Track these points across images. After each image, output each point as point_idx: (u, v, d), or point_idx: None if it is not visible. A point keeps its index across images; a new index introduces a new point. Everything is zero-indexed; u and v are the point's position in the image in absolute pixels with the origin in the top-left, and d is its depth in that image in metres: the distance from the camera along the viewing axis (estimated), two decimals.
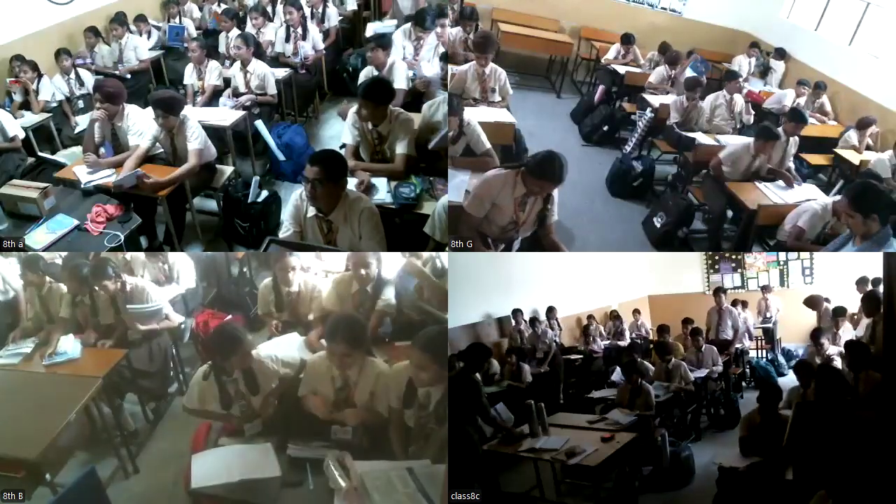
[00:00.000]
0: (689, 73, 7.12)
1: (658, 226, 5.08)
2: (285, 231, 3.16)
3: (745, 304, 5.85)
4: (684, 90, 6.14)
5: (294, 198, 3.15)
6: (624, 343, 5.74)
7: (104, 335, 3.61)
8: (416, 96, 4.93)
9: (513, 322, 5.27)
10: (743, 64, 8.04)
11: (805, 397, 3.50)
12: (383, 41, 4.83)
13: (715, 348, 4.91)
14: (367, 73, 4.91)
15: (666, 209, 5.06)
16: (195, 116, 4.34)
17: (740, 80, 6.51)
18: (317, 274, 3.86)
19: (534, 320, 5.34)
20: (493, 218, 3.19)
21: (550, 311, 5.48)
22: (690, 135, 5.75)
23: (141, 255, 4.27)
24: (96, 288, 3.62)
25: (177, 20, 6.98)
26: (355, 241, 3.05)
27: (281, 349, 3.10)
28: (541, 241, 3.30)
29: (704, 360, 4.79)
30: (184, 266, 4.43)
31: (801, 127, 5.06)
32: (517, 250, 3.35)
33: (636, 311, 6.16)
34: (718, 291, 5.71)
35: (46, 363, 3.31)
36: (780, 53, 8.19)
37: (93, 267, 3.64)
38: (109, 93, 4.11)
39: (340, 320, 2.66)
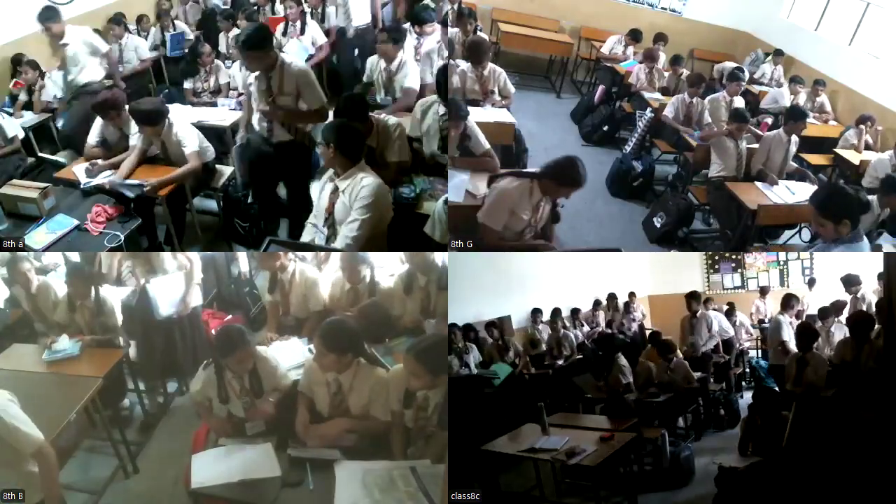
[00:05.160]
0: None
1: (658, 226, 5.08)
2: None
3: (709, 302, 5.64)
4: (687, 86, 6.14)
5: None
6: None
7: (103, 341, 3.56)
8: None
9: (531, 322, 5.35)
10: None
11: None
12: (397, 35, 4.88)
13: (687, 363, 4.48)
14: (372, 62, 5.00)
15: (666, 209, 5.06)
16: (192, 117, 4.33)
17: (742, 82, 6.38)
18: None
19: (555, 318, 5.33)
20: (512, 225, 3.21)
21: (535, 312, 5.49)
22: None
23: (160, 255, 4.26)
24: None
25: (170, 26, 6.96)
26: (346, 214, 3.08)
27: (285, 355, 3.13)
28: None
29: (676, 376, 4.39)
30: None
31: (802, 125, 5.02)
32: None
33: (631, 295, 6.18)
34: (691, 297, 5.25)
35: (47, 358, 3.34)
36: (778, 54, 8.18)
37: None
38: (117, 101, 4.15)
39: (326, 327, 2.65)
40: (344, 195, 3.09)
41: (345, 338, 2.58)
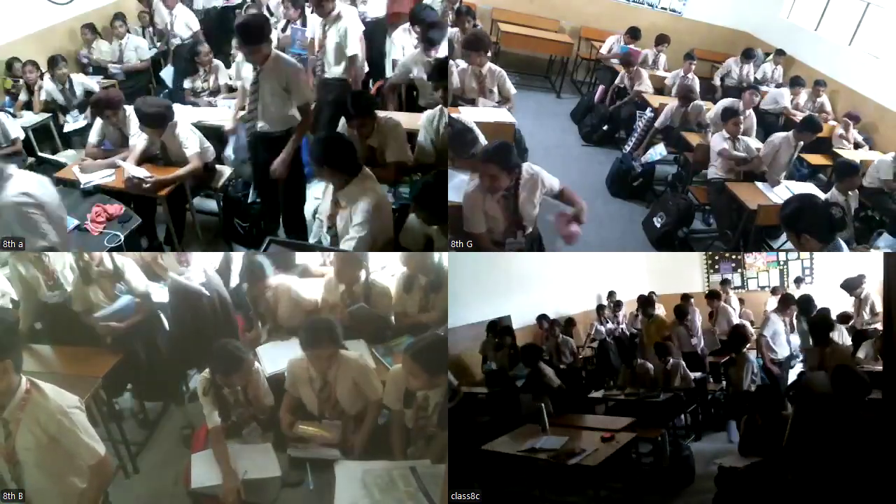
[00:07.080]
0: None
1: (658, 226, 5.08)
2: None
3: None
4: (678, 96, 6.17)
5: None
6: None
7: None
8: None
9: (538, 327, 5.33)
10: (733, 70, 7.87)
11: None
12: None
13: (683, 363, 4.43)
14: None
15: (666, 209, 5.07)
16: (191, 117, 4.32)
17: (757, 93, 6.26)
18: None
19: (553, 326, 5.30)
20: (493, 228, 3.19)
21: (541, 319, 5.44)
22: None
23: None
24: None
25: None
26: (348, 227, 3.06)
27: (284, 356, 3.10)
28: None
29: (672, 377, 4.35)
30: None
31: (814, 136, 5.13)
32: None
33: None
34: (682, 306, 5.16)
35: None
36: (779, 54, 8.18)
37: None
38: (112, 101, 4.17)
39: (305, 325, 2.69)
40: (345, 209, 3.04)
41: (320, 331, 2.62)
